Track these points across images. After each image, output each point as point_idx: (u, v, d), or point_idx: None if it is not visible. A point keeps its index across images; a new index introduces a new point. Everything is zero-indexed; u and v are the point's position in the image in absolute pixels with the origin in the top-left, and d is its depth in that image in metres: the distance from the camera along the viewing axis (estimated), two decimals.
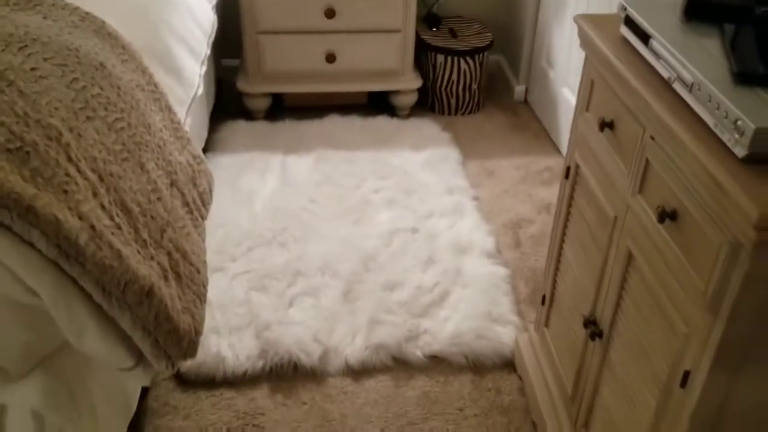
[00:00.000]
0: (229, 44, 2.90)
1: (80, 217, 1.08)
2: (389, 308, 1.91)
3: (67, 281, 1.06)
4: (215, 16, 2.42)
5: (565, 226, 1.50)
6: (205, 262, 1.41)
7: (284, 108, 2.90)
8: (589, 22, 1.29)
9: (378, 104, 2.91)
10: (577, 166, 1.40)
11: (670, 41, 1.06)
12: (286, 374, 1.76)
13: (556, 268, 1.56)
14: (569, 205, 1.47)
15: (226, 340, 1.80)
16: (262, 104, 2.81)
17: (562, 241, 1.52)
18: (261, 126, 2.78)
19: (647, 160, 1.09)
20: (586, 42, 1.29)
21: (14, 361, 1.07)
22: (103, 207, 1.15)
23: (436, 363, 1.80)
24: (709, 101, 0.93)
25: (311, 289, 1.97)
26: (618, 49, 1.19)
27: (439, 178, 2.46)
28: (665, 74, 1.06)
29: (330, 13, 2.59)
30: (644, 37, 1.12)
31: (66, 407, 1.17)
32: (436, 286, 1.99)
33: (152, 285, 1.13)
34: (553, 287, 1.58)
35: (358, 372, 1.77)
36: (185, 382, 1.73)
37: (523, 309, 1.96)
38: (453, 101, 2.87)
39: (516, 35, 2.99)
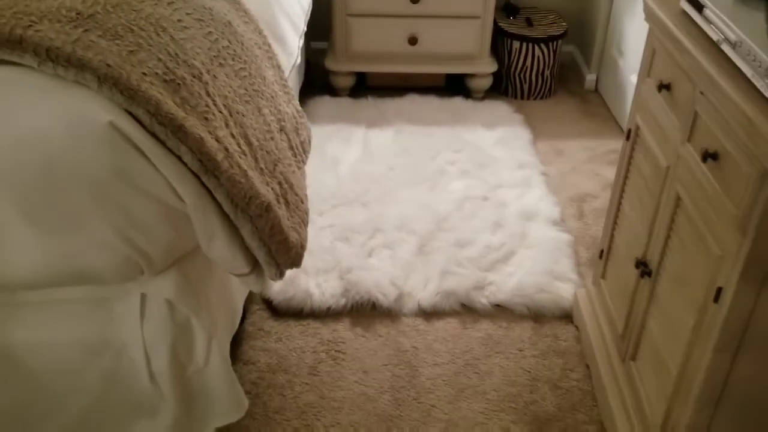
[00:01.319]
0: (318, 28, 3.17)
1: (217, 140, 1.34)
2: (459, 262, 2.12)
3: (205, 192, 1.31)
4: None
5: (624, 184, 1.68)
6: (306, 196, 1.66)
7: (367, 87, 3.15)
8: None
9: (454, 86, 3.13)
10: (638, 128, 1.59)
11: (720, 9, 1.24)
12: (365, 311, 2.00)
13: (614, 223, 1.74)
14: (629, 164, 1.65)
15: (314, 280, 2.05)
16: (347, 82, 3.07)
17: (621, 197, 1.70)
18: (345, 102, 3.04)
19: (696, 113, 1.28)
20: (649, 15, 1.48)
21: (159, 254, 1.33)
22: (233, 135, 1.41)
23: (500, 311, 2.01)
24: (748, 55, 1.11)
25: (389, 243, 2.20)
26: (677, 20, 1.37)
27: (510, 154, 2.66)
28: (714, 37, 1.24)
29: None
30: (699, 7, 1.31)
31: (192, 301, 1.43)
32: (503, 246, 2.19)
33: (269, 202, 1.39)
34: (611, 242, 1.77)
35: (429, 314, 1.99)
36: (277, 312, 1.99)
37: (583, 270, 2.14)
38: (526, 86, 3.06)
39: (589, 25, 3.15)
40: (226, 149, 1.34)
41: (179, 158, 1.29)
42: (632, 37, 2.75)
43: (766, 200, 1.05)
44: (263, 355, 1.86)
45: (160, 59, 1.34)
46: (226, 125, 1.41)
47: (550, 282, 2.05)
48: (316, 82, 3.15)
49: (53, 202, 1.22)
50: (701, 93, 1.26)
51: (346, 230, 2.26)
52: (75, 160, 1.20)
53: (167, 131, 1.26)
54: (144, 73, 1.28)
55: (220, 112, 1.41)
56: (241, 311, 1.78)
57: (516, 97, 3.10)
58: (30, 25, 1.24)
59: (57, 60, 1.21)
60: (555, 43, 2.96)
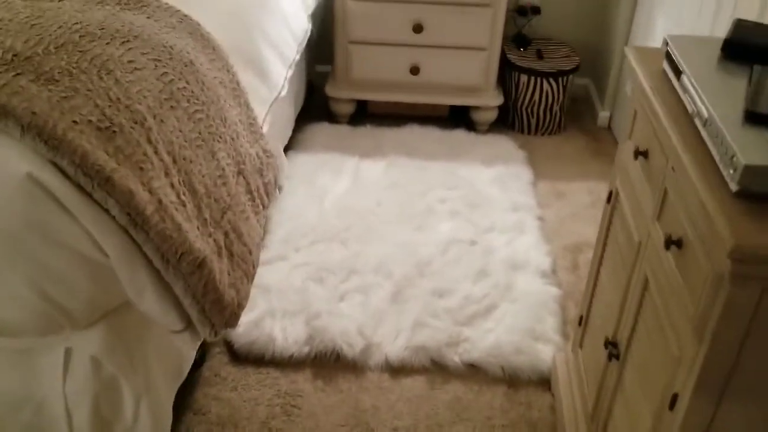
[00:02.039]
0: (324, 51, 3.11)
1: (150, 192, 1.27)
2: (435, 313, 2.03)
3: (133, 246, 1.25)
4: (309, 25, 2.63)
5: (603, 249, 1.57)
6: (258, 245, 1.59)
7: (367, 114, 3.07)
8: (636, 53, 1.37)
9: (458, 118, 3.04)
10: (617, 192, 1.48)
11: (697, 78, 1.13)
12: (328, 362, 1.91)
13: (593, 290, 1.64)
14: (608, 229, 1.54)
15: (279, 324, 1.98)
16: (347, 109, 3.00)
17: (600, 263, 1.59)
18: (343, 129, 2.97)
19: (665, 190, 1.17)
20: (631, 72, 1.38)
21: (81, 309, 1.27)
22: (172, 185, 1.34)
23: (473, 371, 1.90)
24: (716, 137, 1.01)
25: (363, 287, 2.12)
26: (656, 83, 1.27)
27: (506, 195, 2.55)
28: (689, 108, 1.14)
29: (418, 28, 2.75)
30: (678, 72, 1.20)
31: (122, 359, 1.36)
32: (484, 297, 2.09)
33: (204, 257, 1.32)
34: (589, 309, 1.66)
35: (397, 369, 1.90)
36: (237, 357, 1.92)
37: (569, 331, 2.03)
38: (533, 121, 2.95)
39: (604, 60, 3.04)
40: (159, 201, 1.28)
41: (107, 211, 1.22)
42: None
43: (723, 305, 0.94)
44: (215, 404, 1.79)
45: (97, 105, 1.28)
46: (166, 174, 1.34)
47: (529, 343, 1.94)
48: (317, 107, 3.09)
49: None
50: (672, 169, 1.16)
51: (320, 270, 2.18)
52: None
53: (93, 183, 1.20)
54: (74, 121, 1.22)
55: (161, 160, 1.34)
56: (192, 357, 1.71)
57: (523, 132, 3.00)
58: None
59: None
60: (566, 78, 2.85)
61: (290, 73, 2.35)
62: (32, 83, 1.23)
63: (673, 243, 1.09)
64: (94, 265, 1.25)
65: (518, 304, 2.07)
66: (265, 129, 2.03)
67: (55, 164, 1.19)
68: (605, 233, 1.56)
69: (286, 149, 2.72)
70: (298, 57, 2.45)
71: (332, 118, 3.04)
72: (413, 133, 2.93)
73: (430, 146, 2.84)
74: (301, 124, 2.94)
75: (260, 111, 2.01)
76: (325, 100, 3.03)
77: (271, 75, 2.12)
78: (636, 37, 2.76)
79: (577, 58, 2.93)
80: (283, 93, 2.25)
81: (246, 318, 1.97)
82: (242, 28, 1.99)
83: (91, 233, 1.21)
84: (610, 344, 1.39)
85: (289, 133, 2.73)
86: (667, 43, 1.27)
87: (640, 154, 1.32)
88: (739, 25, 1.22)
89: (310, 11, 2.66)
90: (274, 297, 2.06)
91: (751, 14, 1.78)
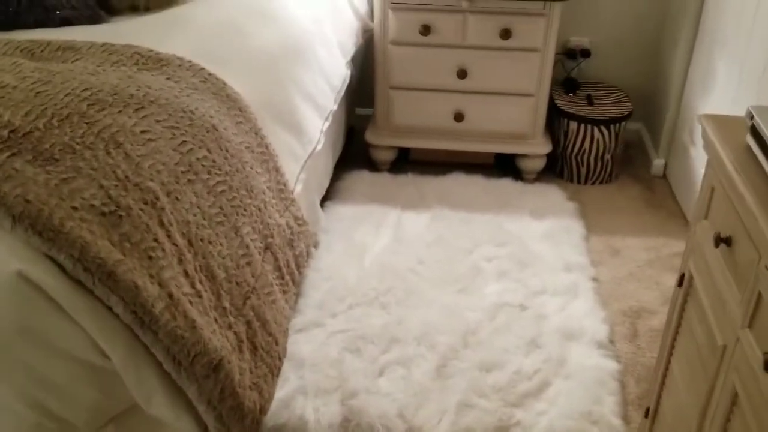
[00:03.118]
0: (364, 94, 2.96)
1: (160, 284, 1.11)
2: (482, 392, 1.82)
3: (140, 347, 1.09)
4: (348, 71, 2.48)
5: (675, 338, 1.35)
6: (286, 331, 1.42)
7: (409, 161, 2.90)
8: (713, 123, 1.17)
9: (504, 165, 2.83)
10: (691, 277, 1.26)
11: None
12: None
13: (663, 382, 1.41)
14: (680, 317, 1.32)
15: (312, 403, 1.78)
16: (388, 156, 2.83)
17: (671, 353, 1.37)
18: (384, 178, 2.79)
19: (759, 294, 0.95)
20: (708, 144, 1.17)
21: (83, 419, 1.11)
22: (186, 273, 1.18)
23: None
24: None
25: (405, 359, 1.92)
26: (740, 160, 1.06)
27: (557, 252, 2.33)
28: None
29: (462, 74, 2.57)
30: (767, 149, 0.99)
31: None
32: (536, 373, 1.87)
33: (221, 359, 1.14)
34: (658, 401, 1.43)
35: None
36: None
37: (630, 412, 1.79)
38: (583, 170, 2.73)
39: (659, 106, 2.80)
40: (170, 295, 1.11)
41: (110, 309, 1.07)
42: None
43: None
44: None
45: (101, 186, 1.13)
46: (180, 260, 1.18)
47: (587, 428, 1.71)
48: (357, 152, 2.93)
49: None
50: (767, 268, 0.94)
51: (358, 339, 1.98)
52: None
53: (94, 279, 1.04)
54: (74, 207, 1.07)
55: (174, 244, 1.18)
56: None
57: (572, 181, 2.77)
58: None
59: None
60: (617, 125, 2.63)
61: (327, 124, 2.19)
62: (28, 164, 1.09)
63: None
64: (95, 370, 1.09)
65: (573, 381, 1.84)
66: (298, 188, 1.87)
67: (51, 258, 1.03)
68: (677, 320, 1.33)
69: (324, 199, 2.56)
70: (335, 107, 2.30)
71: (373, 165, 2.87)
72: (457, 182, 2.74)
73: (475, 196, 2.64)
74: (340, 171, 2.78)
75: (293, 169, 1.85)
76: (366, 146, 2.87)
77: (306, 129, 1.97)
78: (694, 82, 2.52)
79: (629, 103, 2.71)
80: (319, 147, 2.10)
81: (276, 395, 1.78)
82: (274, 82, 1.84)
83: (92, 336, 1.05)
84: None
85: (327, 183, 2.57)
86: (752, 116, 1.06)
87: (722, 241, 1.10)
88: None
89: (349, 57, 2.51)
90: (308, 371, 1.87)
91: None
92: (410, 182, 2.76)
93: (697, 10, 2.51)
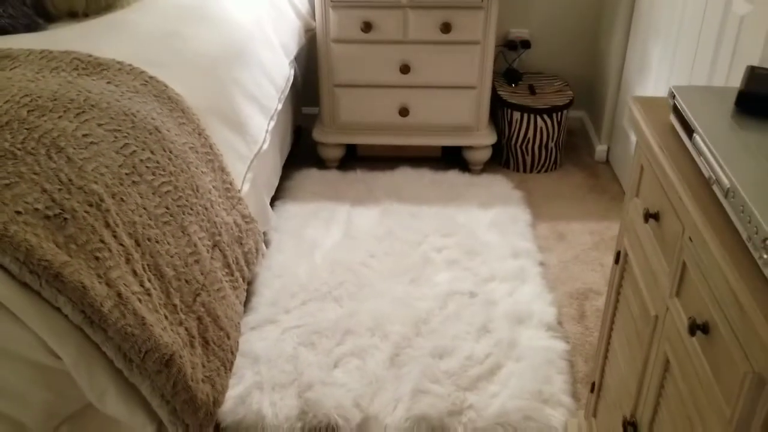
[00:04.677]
0: (310, 93, 2.99)
1: (108, 284, 1.13)
2: (436, 377, 1.87)
3: (90, 346, 1.11)
4: (292, 71, 2.50)
5: (614, 314, 1.43)
6: (238, 325, 1.44)
7: (357, 157, 2.94)
8: (640, 104, 1.24)
9: (451, 158, 2.90)
10: (626, 253, 1.34)
11: (712, 138, 1.00)
12: None
13: (605, 356, 1.49)
14: (618, 293, 1.40)
15: (269, 397, 1.82)
16: (336, 154, 2.87)
17: (611, 328, 1.44)
18: (332, 175, 2.83)
19: (684, 263, 1.03)
20: (635, 125, 1.24)
21: (36, 420, 1.13)
22: (135, 272, 1.20)
23: None
24: (742, 212, 0.87)
25: (359, 350, 1.96)
26: (664, 139, 1.13)
27: (504, 240, 2.41)
28: (705, 173, 1.00)
29: (405, 69, 2.63)
30: (689, 130, 1.07)
31: None
32: (487, 357, 1.94)
33: (173, 353, 1.17)
34: (602, 376, 1.51)
35: None
36: None
37: (579, 390, 1.87)
38: (528, 159, 2.82)
39: (599, 93, 2.91)
40: (119, 294, 1.13)
41: (58, 310, 1.08)
42: None
43: (765, 417, 0.79)
44: None
45: (44, 190, 1.14)
46: (127, 261, 1.20)
47: (538, 407, 1.78)
48: (305, 151, 2.96)
49: None
50: (690, 239, 1.01)
51: (312, 333, 2.02)
52: None
53: (41, 281, 1.06)
54: (18, 212, 1.08)
55: (121, 244, 1.20)
56: None
57: (518, 170, 2.86)
58: None
59: None
60: (560, 113, 2.72)
61: (272, 124, 2.22)
62: None
63: (698, 328, 0.95)
64: (47, 371, 1.10)
65: (524, 363, 1.91)
66: (245, 188, 1.90)
67: None
68: (615, 296, 1.41)
69: (274, 199, 2.58)
70: (280, 106, 2.32)
71: (321, 163, 2.90)
72: (405, 176, 2.80)
73: (423, 190, 2.71)
74: (289, 170, 2.81)
75: (240, 169, 1.88)
76: (314, 144, 2.90)
77: (251, 129, 1.99)
78: (631, 68, 2.63)
79: (570, 92, 2.81)
80: (265, 146, 2.12)
81: (232, 392, 1.81)
82: (216, 84, 1.86)
83: (42, 337, 1.07)
84: (630, 425, 1.24)
85: (276, 182, 2.59)
86: (673, 95, 1.14)
87: (651, 216, 1.18)
88: (755, 74, 1.09)
89: (292, 56, 2.54)
90: (263, 367, 1.90)
91: (755, 52, 1.65)
92: (359, 178, 2.81)
93: None
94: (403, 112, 2.72)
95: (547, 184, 2.78)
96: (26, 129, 1.21)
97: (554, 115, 2.72)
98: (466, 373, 1.89)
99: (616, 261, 1.40)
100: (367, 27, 2.56)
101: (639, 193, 1.28)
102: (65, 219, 1.13)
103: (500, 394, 1.83)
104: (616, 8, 2.70)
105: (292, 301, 2.15)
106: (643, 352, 1.21)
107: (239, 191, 1.71)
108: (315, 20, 2.65)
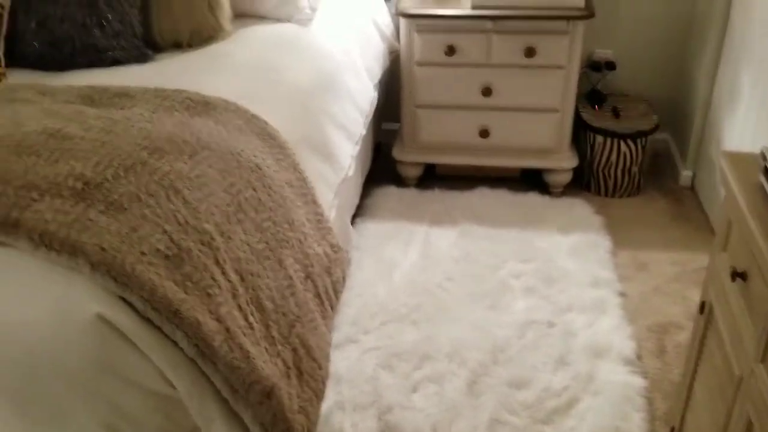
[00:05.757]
0: (390, 109, 3.08)
1: (218, 319, 1.26)
2: (513, 408, 1.95)
3: (201, 377, 1.24)
4: (376, 94, 2.61)
5: (697, 362, 1.47)
6: (328, 355, 1.56)
7: (435, 176, 3.03)
8: (729, 160, 1.29)
9: (530, 178, 2.95)
10: (711, 307, 1.38)
11: None
12: None
13: (686, 402, 1.53)
14: (702, 342, 1.44)
15: (350, 419, 1.93)
16: (415, 172, 2.96)
17: (694, 375, 1.49)
18: (411, 194, 2.93)
19: None
20: (723, 181, 1.29)
21: None
22: (240, 307, 1.33)
23: None
24: None
25: (437, 376, 2.06)
26: (753, 200, 1.18)
27: (584, 268, 2.45)
28: None
29: (487, 92, 2.69)
30: None
31: None
32: (565, 390, 2.00)
33: (273, 386, 1.29)
34: (682, 421, 1.55)
35: None
36: None
37: (657, 428, 1.91)
38: (610, 183, 2.85)
39: (686, 117, 2.91)
40: (227, 329, 1.26)
41: (175, 343, 1.21)
42: (733, 138, 2.50)
43: None
44: None
45: (165, 231, 1.28)
46: (234, 296, 1.33)
47: None
48: (384, 167, 3.06)
49: (37, 393, 1.18)
50: None
51: (391, 355, 2.13)
52: (57, 352, 1.16)
53: (162, 317, 1.19)
54: (143, 252, 1.22)
55: (229, 280, 1.33)
56: None
57: (599, 194, 2.89)
58: (29, 205, 1.21)
59: (50, 245, 1.17)
60: (644, 139, 2.74)
61: (357, 149, 2.33)
62: (102, 215, 1.24)
63: None
64: (163, 398, 1.24)
65: (601, 398, 1.96)
66: (332, 214, 2.02)
67: (123, 299, 1.18)
68: (699, 345, 1.46)
69: (354, 216, 2.70)
70: (364, 131, 2.43)
71: (400, 180, 3.00)
72: (484, 196, 2.87)
73: (502, 211, 2.77)
74: (369, 187, 2.91)
75: (327, 196, 1.99)
76: (393, 161, 3.00)
77: (339, 158, 2.11)
78: (720, 93, 2.62)
79: (655, 116, 2.82)
80: (351, 172, 2.23)
81: None
82: (308, 116, 1.98)
83: (161, 368, 1.20)
84: None
85: (357, 201, 2.70)
86: (764, 157, 1.18)
87: (738, 275, 1.23)
88: None
89: (376, 80, 2.65)
90: (345, 387, 2.01)
91: None
92: (437, 198, 2.89)
93: (723, 20, 2.60)
94: (484, 133, 2.79)
95: (629, 210, 2.80)
96: (148, 173, 1.35)
97: (638, 140, 2.74)
98: (542, 406, 1.95)
99: (701, 311, 1.44)
100: (450, 50, 2.64)
101: (727, 247, 1.32)
102: (182, 258, 1.27)
103: (577, 429, 1.88)
104: (706, 32, 2.70)
105: (372, 321, 2.26)
106: (725, 408, 1.26)
107: (328, 221, 1.82)
108: (399, 42, 2.75)
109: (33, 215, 1.19)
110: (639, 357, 2.12)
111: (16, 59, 1.95)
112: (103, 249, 1.18)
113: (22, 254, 1.19)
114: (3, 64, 1.91)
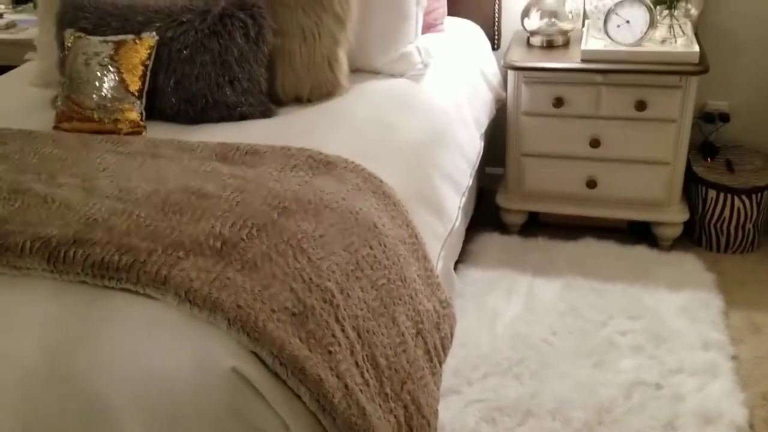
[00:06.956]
0: (493, 154, 3.14)
1: (338, 376, 1.36)
2: None
3: (321, 430, 1.33)
4: (482, 143, 2.69)
5: None
6: (436, 412, 1.63)
7: (539, 223, 3.06)
8: None
9: (638, 230, 2.94)
10: None
11: None
12: None
13: None
14: None
15: None
16: (518, 219, 3.01)
17: None
18: (514, 241, 2.98)
19: None
20: None
21: None
22: (357, 364, 1.42)
23: None
24: None
25: None
26: None
27: (694, 328, 2.42)
28: None
29: (595, 143, 2.72)
30: None
31: None
32: None
33: None
34: None
35: None
36: None
37: None
38: (723, 238, 2.80)
39: None
40: (346, 386, 1.36)
41: (298, 397, 1.32)
42: None
43: None
44: None
45: (292, 289, 1.39)
46: (352, 352, 1.42)
47: None
48: (487, 212, 3.11)
49: None
50: None
51: (494, 409, 2.17)
52: (198, 400, 1.28)
53: (288, 372, 1.30)
54: (273, 310, 1.34)
55: (347, 337, 1.43)
56: None
57: (711, 249, 2.84)
58: (176, 263, 1.35)
59: (194, 301, 1.31)
60: (760, 194, 2.69)
61: (464, 200, 2.40)
62: (238, 273, 1.37)
63: None
64: None
65: None
66: (439, 266, 2.09)
67: (254, 354, 1.30)
68: None
69: (457, 263, 2.76)
70: (470, 182, 2.51)
71: (502, 227, 3.05)
72: (590, 248, 2.88)
73: (608, 264, 2.77)
74: (471, 232, 2.97)
75: (435, 249, 2.07)
76: (496, 206, 3.05)
77: (447, 210, 2.19)
78: None
79: None
80: (458, 224, 2.31)
81: None
82: (419, 170, 2.08)
83: (285, 420, 1.31)
84: None
85: (460, 247, 2.77)
86: None
87: None
88: None
89: (483, 130, 2.72)
90: None
91: None
92: (541, 247, 2.92)
93: None
94: (591, 183, 2.81)
95: (743, 268, 2.74)
96: (277, 233, 1.47)
97: (753, 195, 2.68)
98: None
99: None
100: (558, 102, 2.69)
101: None
102: (306, 316, 1.38)
103: None
104: None
105: (474, 372, 2.31)
106: None
107: (437, 276, 1.90)
108: (505, 91, 2.82)
109: (180, 273, 1.33)
110: (751, 426, 2.08)
111: (155, 113, 2.16)
112: (239, 306, 1.30)
113: (167, 308, 1.32)
114: (143, 117, 2.12)
